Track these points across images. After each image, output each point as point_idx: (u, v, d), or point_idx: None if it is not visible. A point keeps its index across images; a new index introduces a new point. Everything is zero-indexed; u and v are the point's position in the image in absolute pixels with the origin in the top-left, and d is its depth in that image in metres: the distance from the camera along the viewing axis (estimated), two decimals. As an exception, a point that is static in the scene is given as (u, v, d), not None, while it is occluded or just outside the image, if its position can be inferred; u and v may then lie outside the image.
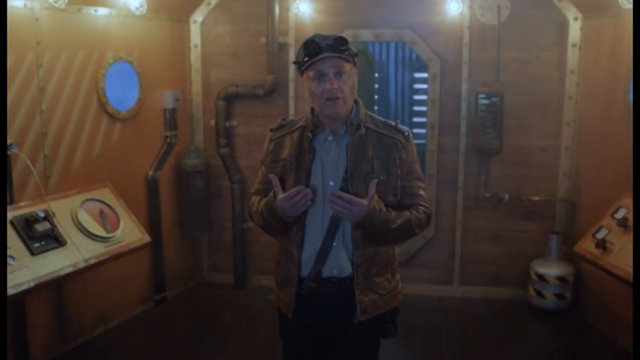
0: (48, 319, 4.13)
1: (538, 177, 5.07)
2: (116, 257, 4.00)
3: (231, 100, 5.27)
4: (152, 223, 4.96)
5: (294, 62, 2.45)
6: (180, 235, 5.38)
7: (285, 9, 5.09)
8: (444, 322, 4.88)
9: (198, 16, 5.23)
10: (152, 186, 4.94)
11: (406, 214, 2.41)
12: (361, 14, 5.08)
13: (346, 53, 2.34)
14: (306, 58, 2.34)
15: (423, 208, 2.48)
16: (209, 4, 5.20)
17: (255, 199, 2.56)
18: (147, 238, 4.25)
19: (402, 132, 2.50)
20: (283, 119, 2.58)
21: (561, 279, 4.85)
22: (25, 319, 3.87)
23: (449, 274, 5.31)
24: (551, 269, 4.88)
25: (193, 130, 5.40)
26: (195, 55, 5.29)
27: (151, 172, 4.93)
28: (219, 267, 5.59)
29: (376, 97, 7.27)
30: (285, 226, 2.41)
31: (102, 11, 4.30)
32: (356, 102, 2.47)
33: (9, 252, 3.43)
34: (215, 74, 5.32)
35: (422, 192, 2.52)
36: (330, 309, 2.46)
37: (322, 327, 2.50)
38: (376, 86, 7.21)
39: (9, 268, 3.37)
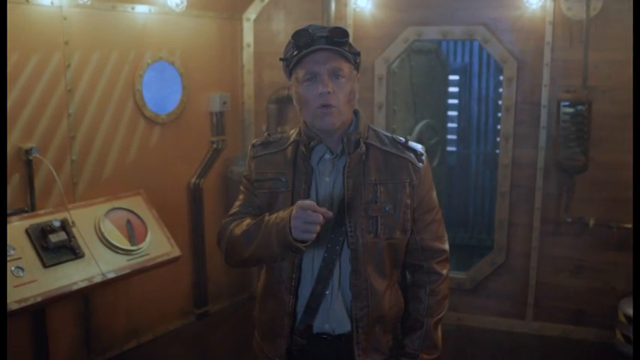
0: (73, 330, 3.94)
1: (631, 201, 4.26)
2: (139, 272, 3.74)
3: (283, 103, 4.88)
4: (194, 234, 4.69)
5: (281, 59, 1.95)
6: (227, 246, 5.06)
7: (342, 5, 4.63)
8: (512, 361, 4.28)
9: (252, 14, 4.89)
10: (195, 194, 4.66)
11: (428, 322, 2.03)
12: (427, 9, 4.52)
13: (346, 49, 1.86)
14: (295, 52, 1.87)
15: (434, 265, 2.02)
16: (262, 0, 4.85)
17: (234, 224, 2.05)
18: (176, 252, 3.97)
19: (413, 150, 1.99)
20: (269, 134, 2.10)
21: (656, 324, 4.06)
22: (45, 329, 3.71)
23: (521, 306, 4.63)
24: (644, 312, 4.10)
25: (244, 135, 5.07)
26: (247, 55, 4.95)
27: (194, 180, 4.65)
28: (269, 281, 5.23)
29: (454, 101, 6.62)
30: (277, 258, 1.93)
31: (140, 9, 4.06)
32: (355, 113, 1.98)
33: (19, 263, 3.27)
34: (267, 75, 4.95)
35: (435, 227, 2.02)
36: None
37: None
38: (454, 90, 6.56)
39: (17, 281, 3.20)
